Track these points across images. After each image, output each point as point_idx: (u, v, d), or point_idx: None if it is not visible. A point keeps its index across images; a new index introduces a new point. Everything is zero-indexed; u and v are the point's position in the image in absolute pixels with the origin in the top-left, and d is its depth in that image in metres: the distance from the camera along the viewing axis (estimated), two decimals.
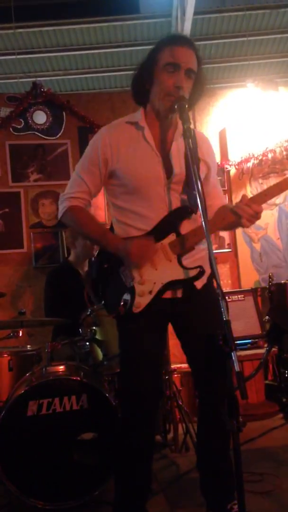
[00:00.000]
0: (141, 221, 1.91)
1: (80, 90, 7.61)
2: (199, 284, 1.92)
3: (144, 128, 1.90)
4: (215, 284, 1.58)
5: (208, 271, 1.95)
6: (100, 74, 7.21)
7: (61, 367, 2.71)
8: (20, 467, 2.43)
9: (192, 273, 1.88)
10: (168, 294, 1.90)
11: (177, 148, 1.93)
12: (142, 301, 1.86)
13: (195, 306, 1.93)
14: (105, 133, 1.93)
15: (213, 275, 1.57)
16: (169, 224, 1.90)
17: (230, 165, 4.67)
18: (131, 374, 1.93)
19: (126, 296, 1.87)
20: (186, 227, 1.91)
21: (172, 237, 1.89)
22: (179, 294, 1.93)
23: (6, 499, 2.51)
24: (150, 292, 1.86)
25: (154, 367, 1.95)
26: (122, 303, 1.87)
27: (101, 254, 2.03)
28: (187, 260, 1.90)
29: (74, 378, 2.56)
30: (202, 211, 1.64)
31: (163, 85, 1.82)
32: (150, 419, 1.96)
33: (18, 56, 6.48)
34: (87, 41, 6.49)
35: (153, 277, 1.87)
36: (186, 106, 1.77)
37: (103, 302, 2.02)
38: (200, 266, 1.88)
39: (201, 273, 1.87)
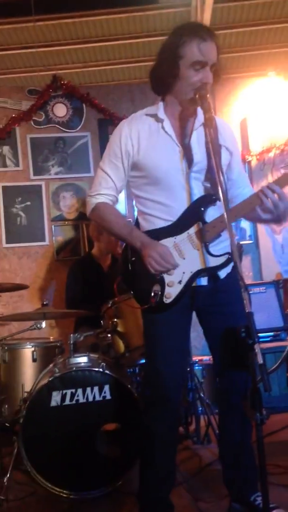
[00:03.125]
0: (165, 211, 1.92)
1: (99, 82, 7.60)
2: (222, 273, 1.92)
3: (164, 120, 1.90)
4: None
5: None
6: (119, 65, 7.18)
7: (84, 359, 2.73)
8: (45, 457, 2.47)
9: (220, 260, 1.88)
10: (196, 283, 1.91)
11: (198, 138, 1.92)
12: (172, 292, 1.87)
13: (219, 295, 1.93)
14: (125, 126, 1.94)
15: (235, 267, 1.56)
16: (194, 213, 1.90)
17: (251, 156, 4.62)
18: (155, 363, 1.94)
19: (156, 287, 1.88)
20: (211, 214, 1.91)
21: (198, 226, 1.89)
22: (204, 282, 1.93)
23: (31, 488, 2.56)
24: (180, 282, 1.87)
25: (179, 356, 1.97)
26: (152, 294, 1.88)
27: (128, 249, 2.03)
28: (214, 248, 1.90)
29: (97, 369, 2.59)
30: (223, 201, 1.63)
31: (190, 81, 1.82)
32: (174, 410, 1.97)
33: (38, 50, 6.50)
34: (106, 33, 6.45)
35: (182, 266, 1.88)
36: (208, 95, 1.76)
37: (132, 294, 2.03)
38: (228, 253, 1.88)
39: (230, 260, 1.88)
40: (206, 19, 4.75)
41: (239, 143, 4.61)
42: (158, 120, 1.91)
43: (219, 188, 1.63)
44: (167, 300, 1.88)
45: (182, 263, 1.88)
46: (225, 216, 1.62)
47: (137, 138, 1.90)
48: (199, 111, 1.88)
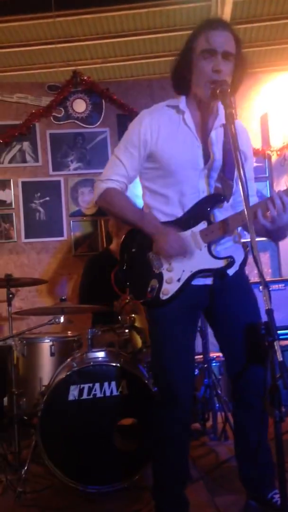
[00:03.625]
0: (172, 206, 1.89)
1: (117, 78, 7.60)
2: (231, 271, 1.90)
3: (185, 112, 1.88)
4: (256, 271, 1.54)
5: (239, 259, 1.92)
6: (138, 61, 7.16)
7: (101, 354, 2.75)
8: (62, 450, 2.49)
9: (222, 263, 1.85)
10: (198, 282, 1.88)
11: (217, 136, 1.90)
12: (170, 288, 1.85)
13: (227, 294, 1.91)
14: (145, 116, 1.91)
15: (255, 263, 1.54)
16: (200, 211, 1.87)
17: (271, 151, 4.56)
18: (161, 361, 1.93)
19: (154, 282, 1.86)
20: (217, 215, 1.88)
21: (203, 225, 1.86)
22: (209, 282, 1.90)
23: (48, 481, 2.58)
24: (179, 280, 1.85)
25: (184, 355, 1.93)
26: (149, 289, 1.86)
27: (129, 239, 2.01)
28: (217, 249, 1.88)
29: (114, 364, 2.59)
30: (244, 197, 1.60)
31: (202, 72, 1.79)
32: (184, 407, 1.94)
33: (58, 45, 6.52)
34: (125, 28, 6.44)
35: (182, 264, 1.85)
36: (229, 90, 1.74)
37: (128, 286, 2.00)
38: (230, 256, 1.85)
39: (231, 263, 1.85)
40: (227, 13, 4.71)
41: (259, 138, 4.57)
42: (179, 112, 1.89)
43: (240, 184, 1.59)
44: (163, 297, 1.85)
45: (183, 261, 1.85)
46: (246, 212, 1.59)
47: (157, 128, 1.87)
48: (221, 111, 1.86)
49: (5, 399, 3.04)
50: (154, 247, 1.87)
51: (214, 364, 3.32)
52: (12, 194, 4.21)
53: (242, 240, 1.99)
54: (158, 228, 1.86)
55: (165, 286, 1.85)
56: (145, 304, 1.93)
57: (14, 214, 4.22)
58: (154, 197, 1.93)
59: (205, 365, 3.21)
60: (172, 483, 1.92)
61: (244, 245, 2.00)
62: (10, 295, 3.05)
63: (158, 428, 1.96)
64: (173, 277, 1.85)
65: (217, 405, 3.18)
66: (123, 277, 1.99)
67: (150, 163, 1.92)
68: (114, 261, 3.65)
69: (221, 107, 1.84)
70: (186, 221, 1.86)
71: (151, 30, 6.54)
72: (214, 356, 3.39)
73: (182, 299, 1.85)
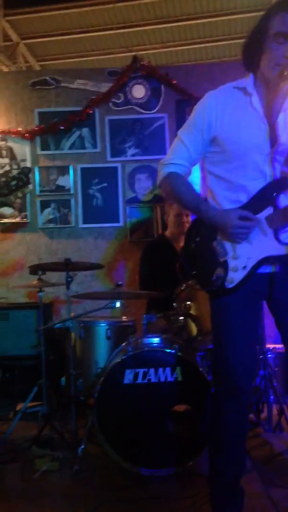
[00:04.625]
0: (237, 192, 1.84)
1: (175, 63, 7.52)
2: None
3: (252, 94, 1.82)
4: None
5: None
6: (197, 45, 7.06)
7: (157, 339, 2.77)
8: (117, 432, 2.54)
9: None
10: (264, 270, 1.83)
11: (285, 119, 1.83)
12: (235, 277, 1.81)
13: None
14: (211, 97, 1.85)
15: None
16: (266, 196, 1.81)
17: None
18: (222, 350, 1.90)
19: (219, 271, 1.83)
20: (284, 200, 1.82)
21: (269, 210, 1.80)
22: (271, 270, 1.85)
23: (103, 461, 2.64)
24: (244, 268, 1.81)
25: (247, 344, 1.89)
26: (215, 278, 1.83)
27: (193, 228, 1.99)
28: (284, 235, 1.82)
29: (169, 350, 2.60)
30: None
31: (272, 55, 1.72)
32: (244, 398, 1.92)
33: (117, 31, 6.53)
34: (185, 12, 6.37)
35: (248, 252, 1.81)
36: None
37: (195, 276, 1.98)
38: None
39: None
40: None
41: None
42: (247, 93, 1.83)
43: None
44: (229, 285, 1.81)
45: (248, 248, 1.81)
46: None
47: (223, 110, 1.82)
48: None
49: (63, 379, 3.12)
50: (218, 235, 1.84)
51: (269, 355, 3.27)
52: (71, 180, 4.28)
53: None
54: (216, 215, 1.83)
55: (230, 274, 1.82)
56: (211, 293, 1.91)
57: (72, 199, 4.29)
58: (218, 182, 1.90)
59: (261, 357, 3.16)
60: (229, 472, 1.91)
61: None
62: (69, 279, 3.11)
63: (216, 417, 1.95)
64: (238, 265, 1.81)
65: (272, 397, 3.13)
66: (188, 266, 1.98)
67: (214, 147, 1.88)
68: (171, 248, 3.67)
69: None
70: (251, 207, 1.81)
71: (211, 14, 6.42)
72: (270, 348, 3.33)
73: (246, 287, 1.81)
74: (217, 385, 1.97)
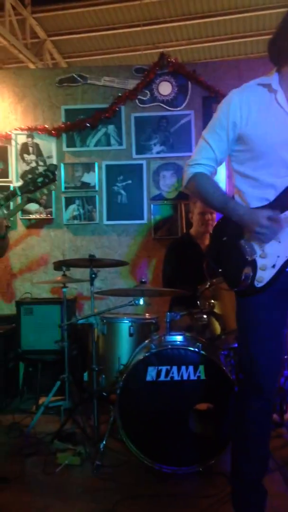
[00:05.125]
0: (264, 190, 1.82)
1: (202, 60, 7.47)
2: None
3: (277, 91, 1.79)
4: None
5: None
6: (224, 42, 7.00)
7: (180, 337, 2.76)
8: (139, 428, 2.55)
9: None
10: None
11: None
12: (264, 276, 1.79)
13: None
14: (235, 96, 1.83)
15: None
16: None
17: None
18: (248, 349, 1.89)
19: (247, 270, 1.81)
20: None
21: None
22: None
23: (125, 457, 2.66)
24: (273, 266, 1.79)
25: (274, 343, 1.87)
26: (243, 278, 1.82)
27: (219, 227, 1.98)
28: None
29: (192, 349, 2.60)
30: None
31: None
32: (269, 398, 1.90)
33: (143, 28, 6.52)
34: (212, 8, 6.32)
35: (277, 250, 1.79)
36: None
37: (223, 276, 1.98)
38: None
39: None
40: None
41: None
42: (271, 90, 1.80)
43: None
44: (258, 284, 1.79)
45: (277, 246, 1.78)
46: None
47: (248, 108, 1.80)
48: None
49: (85, 374, 3.14)
50: (245, 234, 1.83)
51: None
52: (96, 177, 4.30)
53: None
54: (243, 216, 1.81)
55: (259, 273, 1.80)
56: (239, 292, 1.89)
57: (97, 196, 4.31)
58: (245, 180, 1.88)
59: (286, 356, 3.12)
60: (252, 471, 1.90)
61: None
62: (93, 275, 3.13)
63: (240, 416, 1.93)
64: (267, 263, 1.79)
65: None
66: (215, 266, 1.97)
67: (240, 145, 1.86)
68: (195, 246, 3.65)
69: None
70: (279, 205, 1.79)
71: (239, 10, 6.36)
72: None
73: (275, 286, 1.80)
74: (241, 383, 1.96)
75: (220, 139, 1.86)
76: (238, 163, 1.90)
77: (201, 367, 2.57)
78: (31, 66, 6.69)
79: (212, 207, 2.03)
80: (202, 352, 2.58)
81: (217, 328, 2.92)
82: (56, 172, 2.45)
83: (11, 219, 4.19)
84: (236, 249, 1.85)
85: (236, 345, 3.02)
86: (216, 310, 2.94)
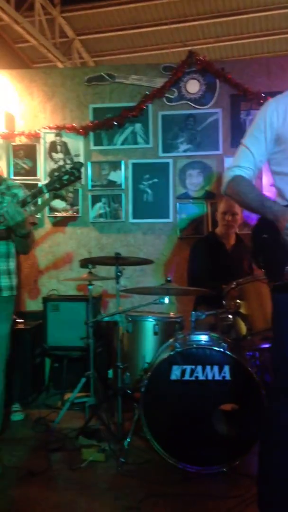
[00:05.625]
0: None
1: (229, 57, 7.41)
2: None
3: None
4: None
5: None
6: (253, 39, 6.93)
7: (205, 337, 2.75)
8: (163, 427, 2.55)
9: None
10: None
11: None
12: None
13: None
14: (272, 101, 1.91)
15: None
16: None
17: None
18: (284, 346, 1.86)
19: None
20: None
21: None
22: None
23: (148, 455, 2.66)
24: None
25: None
26: (287, 270, 1.80)
27: (259, 225, 1.97)
28: None
29: (217, 349, 2.59)
30: None
31: None
32: None
33: (171, 26, 6.51)
34: (241, 6, 6.26)
35: None
36: None
37: (265, 271, 1.97)
38: None
39: None
40: None
41: None
42: None
43: None
44: None
45: None
46: None
47: (284, 110, 1.85)
48: None
49: (110, 371, 3.16)
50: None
51: None
52: (122, 175, 4.31)
53: None
54: (277, 214, 1.81)
55: None
56: (279, 287, 1.86)
57: (123, 194, 4.32)
58: (284, 179, 1.90)
59: None
60: (280, 474, 1.88)
61: None
62: (118, 273, 3.14)
63: (271, 419, 1.91)
64: None
65: None
66: (256, 262, 1.98)
67: (278, 146, 1.89)
68: (221, 245, 3.63)
69: None
70: None
71: (268, 7, 6.28)
72: None
73: None
74: (273, 383, 1.94)
75: (258, 142, 1.91)
76: (277, 165, 1.93)
77: (226, 367, 2.55)
78: (60, 65, 6.76)
79: (249, 209, 2.03)
80: (228, 352, 2.56)
81: (243, 328, 2.89)
82: (81, 170, 2.47)
83: (38, 216, 4.27)
84: (278, 243, 1.84)
85: (262, 346, 2.99)
86: (242, 310, 2.91)
